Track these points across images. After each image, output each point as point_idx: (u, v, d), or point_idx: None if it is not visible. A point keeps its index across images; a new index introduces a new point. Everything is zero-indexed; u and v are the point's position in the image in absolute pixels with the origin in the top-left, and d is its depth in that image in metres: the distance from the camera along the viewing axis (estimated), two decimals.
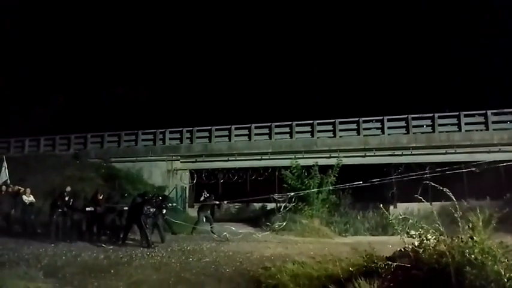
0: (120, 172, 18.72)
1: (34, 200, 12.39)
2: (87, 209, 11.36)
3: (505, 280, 3.83)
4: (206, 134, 20.10)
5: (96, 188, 13.50)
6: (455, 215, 4.75)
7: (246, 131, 19.61)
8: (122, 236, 10.86)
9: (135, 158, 19.80)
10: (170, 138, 20.52)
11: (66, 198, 11.91)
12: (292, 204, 14.77)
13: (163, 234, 11.19)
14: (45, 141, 21.84)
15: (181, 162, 20.28)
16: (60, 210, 10.95)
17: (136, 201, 11.35)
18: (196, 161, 20.06)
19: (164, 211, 12.01)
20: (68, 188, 12.64)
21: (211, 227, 12.91)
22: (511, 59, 26.07)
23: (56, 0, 36.81)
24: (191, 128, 20.29)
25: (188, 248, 9.91)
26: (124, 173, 18.65)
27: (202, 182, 19.73)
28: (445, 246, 4.67)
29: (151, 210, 10.79)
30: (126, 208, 11.49)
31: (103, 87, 32.57)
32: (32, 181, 15.07)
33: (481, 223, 4.41)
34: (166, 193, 16.98)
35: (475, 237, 4.31)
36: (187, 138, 20.25)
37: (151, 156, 19.99)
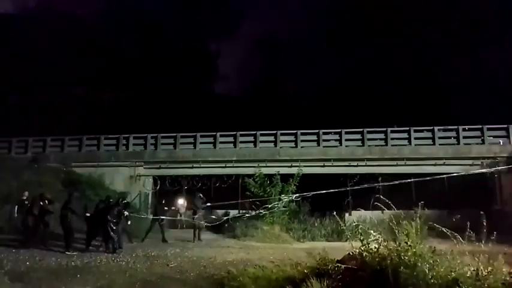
0: (81, 177, 18.38)
1: None
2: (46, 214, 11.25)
3: (429, 277, 4.60)
4: (171, 140, 20.24)
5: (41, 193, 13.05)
6: (391, 224, 5.52)
7: (211, 139, 19.99)
8: (85, 241, 10.88)
9: (96, 163, 19.52)
10: (134, 144, 20.43)
11: (26, 203, 11.79)
12: (255, 212, 15.33)
13: (121, 240, 11.27)
14: (0, 143, 20.98)
15: (144, 168, 20.25)
16: (20, 215, 10.78)
17: (100, 207, 11.44)
18: (160, 168, 20.12)
19: (126, 216, 12.10)
20: (25, 193, 12.43)
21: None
22: (459, 79, 28.39)
23: None
24: (156, 134, 20.34)
25: (153, 254, 10.17)
26: (85, 178, 18.33)
27: (165, 189, 19.83)
28: (386, 250, 5.41)
29: (115, 215, 10.93)
30: (88, 214, 11.52)
31: (63, 87, 31.62)
32: None
33: (413, 230, 5.19)
34: (129, 199, 17.01)
35: (408, 242, 5.07)
36: (151, 144, 20.27)
37: (113, 162, 19.80)
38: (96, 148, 20.52)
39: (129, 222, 12.39)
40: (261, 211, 15.02)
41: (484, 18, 30.20)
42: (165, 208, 14.56)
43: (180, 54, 35.75)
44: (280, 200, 15.36)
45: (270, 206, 14.43)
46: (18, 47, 35.30)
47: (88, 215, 11.46)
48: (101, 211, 11.14)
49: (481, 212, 5.87)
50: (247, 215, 15.23)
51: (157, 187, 20.23)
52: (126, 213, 11.96)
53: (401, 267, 4.85)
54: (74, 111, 28.49)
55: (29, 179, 17.20)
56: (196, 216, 13.91)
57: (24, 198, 12.29)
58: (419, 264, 4.76)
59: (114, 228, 10.59)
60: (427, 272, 4.62)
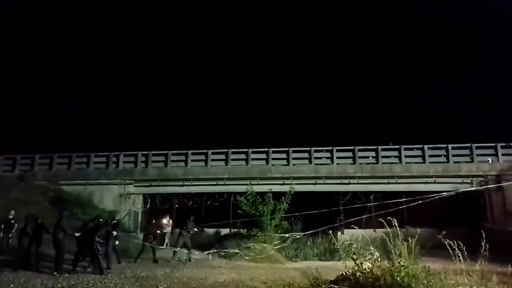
0: (69, 196, 18.08)
1: None
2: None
3: None
4: (162, 158, 20.12)
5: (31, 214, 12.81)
6: (389, 243, 5.48)
7: (202, 157, 19.92)
8: (73, 262, 10.57)
9: (86, 181, 19.26)
10: (124, 162, 20.25)
11: (12, 222, 11.50)
12: (245, 231, 15.17)
13: (110, 260, 11.00)
14: None
15: (134, 186, 20.02)
16: (6, 234, 10.49)
17: (89, 226, 11.19)
18: (150, 185, 19.91)
19: (115, 235, 11.85)
20: (12, 212, 12.13)
21: (188, 253, 12.99)
22: (448, 99, 29.03)
23: None
24: (147, 152, 20.22)
25: (142, 275, 9.91)
26: (74, 197, 18.04)
27: (156, 207, 19.57)
28: (379, 270, 5.37)
29: (103, 236, 10.69)
30: (77, 234, 11.25)
31: (54, 104, 31.36)
32: None
33: (407, 250, 5.17)
34: (119, 218, 16.73)
35: (402, 263, 5.04)
36: (142, 162, 20.11)
37: (103, 180, 19.56)
38: (85, 166, 20.28)
39: (117, 242, 12.11)
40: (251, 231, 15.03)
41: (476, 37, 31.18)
42: (154, 228, 14.33)
43: (169, 71, 35.96)
44: (272, 219, 15.34)
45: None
46: (5, 62, 35.08)
47: (77, 234, 11.18)
48: (89, 231, 10.88)
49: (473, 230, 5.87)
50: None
51: (148, 205, 19.97)
52: (114, 233, 11.72)
53: None
54: (64, 128, 28.19)
55: (16, 197, 16.84)
56: (182, 236, 13.66)
57: (10, 217, 12.01)
58: (413, 285, 4.71)
59: (101, 248, 10.32)
60: None
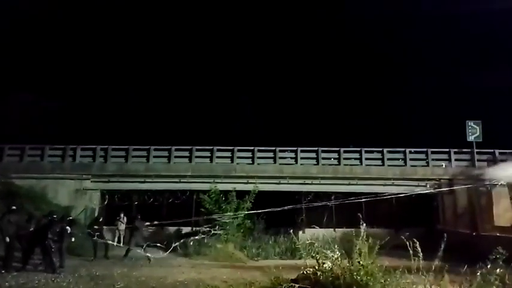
0: (20, 189, 17.02)
1: None
2: None
3: None
4: (122, 153, 19.41)
5: None
6: (348, 242, 5.59)
7: (165, 153, 19.44)
8: (22, 259, 9.96)
9: (39, 175, 18.21)
10: (81, 156, 19.33)
11: None
12: (210, 229, 15.01)
13: (63, 258, 10.49)
14: None
15: (92, 181, 19.18)
16: None
17: (42, 222, 10.60)
18: (109, 181, 19.16)
19: (70, 233, 11.31)
20: None
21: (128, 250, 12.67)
22: (407, 105, 30.29)
23: None
24: (106, 146, 19.42)
25: (97, 274, 9.53)
26: (25, 191, 17.00)
27: (114, 204, 18.89)
28: (339, 269, 5.46)
29: (57, 233, 10.17)
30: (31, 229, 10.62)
31: (6, 92, 29.48)
32: None
33: (366, 249, 5.29)
34: (74, 214, 16.02)
35: (361, 262, 5.15)
36: (100, 156, 19.31)
37: (58, 174, 18.60)
38: (39, 159, 19.18)
39: (73, 239, 11.58)
40: (214, 229, 14.89)
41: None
42: (103, 225, 13.95)
43: (133, 64, 34.91)
44: (235, 217, 15.28)
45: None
46: None
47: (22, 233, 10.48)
48: (42, 227, 10.31)
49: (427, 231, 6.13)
50: (201, 233, 14.90)
51: (105, 202, 19.23)
52: (69, 229, 11.17)
53: (354, 287, 4.89)
54: (17, 118, 26.55)
55: None
56: (134, 236, 13.39)
57: None
58: (371, 284, 4.83)
59: (54, 245, 9.81)
60: None
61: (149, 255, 12.68)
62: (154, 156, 19.35)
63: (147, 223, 14.46)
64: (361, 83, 33.54)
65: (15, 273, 9.06)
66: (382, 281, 4.89)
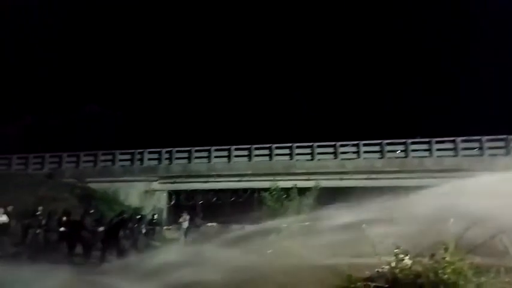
0: (95, 193, 18.32)
1: (7, 220, 11.94)
2: (61, 229, 11.09)
3: None
4: (185, 154, 20.08)
5: (64, 209, 13.15)
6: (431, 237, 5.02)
7: (225, 153, 19.73)
8: (100, 256, 10.59)
9: (111, 179, 19.44)
10: (148, 159, 20.35)
11: (40, 218, 11.60)
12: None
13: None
14: (17, 159, 21.18)
15: (159, 183, 20.06)
16: (34, 230, 10.61)
17: (114, 222, 11.19)
18: (174, 182, 19.91)
19: (143, 231, 11.83)
20: (40, 208, 12.30)
21: None
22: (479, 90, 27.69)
23: (25, 19, 36.54)
24: (170, 149, 20.22)
25: None
26: (100, 194, 18.29)
27: (180, 204, 19.54)
28: (420, 266, 4.90)
29: (128, 231, 10.65)
30: (101, 229, 11.31)
31: (77, 105, 32.17)
32: (4, 201, 14.52)
33: (453, 245, 4.69)
34: (144, 214, 16.77)
35: (447, 258, 4.57)
36: (166, 158, 20.14)
37: (128, 177, 19.70)
38: (111, 164, 20.50)
39: (143, 232, 12.09)
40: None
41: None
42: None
43: (192, 68, 36.04)
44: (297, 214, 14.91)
45: None
46: (35, 67, 36.28)
47: (101, 229, 11.26)
48: (114, 225, 10.88)
49: None
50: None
51: (172, 202, 19.98)
52: (142, 226, 11.70)
53: (441, 286, 4.35)
54: (89, 128, 28.77)
55: (45, 195, 17.19)
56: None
57: (39, 213, 12.16)
58: (462, 283, 4.24)
59: (126, 242, 10.29)
60: None
61: None
62: (215, 157, 19.72)
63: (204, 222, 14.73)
64: (429, 67, 31.29)
65: (91, 268, 9.61)
66: (475, 280, 4.27)
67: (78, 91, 33.63)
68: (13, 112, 31.77)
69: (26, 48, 36.34)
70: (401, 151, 18.42)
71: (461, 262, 4.64)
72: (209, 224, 15.02)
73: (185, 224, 16.97)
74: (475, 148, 18.01)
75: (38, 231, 11.63)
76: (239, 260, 12.30)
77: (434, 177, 17.59)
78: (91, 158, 20.78)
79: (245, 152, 19.62)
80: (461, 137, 18.05)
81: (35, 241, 10.70)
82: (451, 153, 18.02)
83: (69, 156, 20.93)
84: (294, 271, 10.15)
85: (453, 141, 18.10)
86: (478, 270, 4.66)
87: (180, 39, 38.91)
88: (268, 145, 19.49)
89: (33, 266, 9.41)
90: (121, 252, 10.21)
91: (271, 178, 17.64)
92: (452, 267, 4.50)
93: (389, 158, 18.37)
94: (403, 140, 18.47)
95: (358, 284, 5.42)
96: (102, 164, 20.57)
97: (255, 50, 37.99)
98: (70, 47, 38.22)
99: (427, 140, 18.42)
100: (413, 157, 18.19)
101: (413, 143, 18.42)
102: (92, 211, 12.18)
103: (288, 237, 14.46)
